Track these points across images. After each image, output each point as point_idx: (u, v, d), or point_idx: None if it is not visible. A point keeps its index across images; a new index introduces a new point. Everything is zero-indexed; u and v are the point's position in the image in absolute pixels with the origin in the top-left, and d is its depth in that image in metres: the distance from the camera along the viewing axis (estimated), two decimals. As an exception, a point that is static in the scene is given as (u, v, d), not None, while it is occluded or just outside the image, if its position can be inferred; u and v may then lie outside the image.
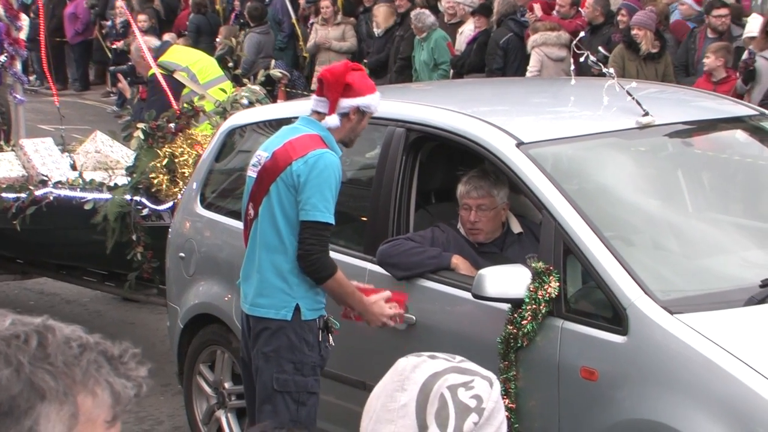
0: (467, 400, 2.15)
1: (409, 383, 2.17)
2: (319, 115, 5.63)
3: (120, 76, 13.14)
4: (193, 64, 9.92)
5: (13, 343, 1.64)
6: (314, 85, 10.50)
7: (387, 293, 5.68)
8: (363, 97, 5.60)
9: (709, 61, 11.68)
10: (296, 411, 5.61)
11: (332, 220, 5.49)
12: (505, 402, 5.26)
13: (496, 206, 6.04)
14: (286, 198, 5.51)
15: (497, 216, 6.07)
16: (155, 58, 9.96)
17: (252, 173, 5.71)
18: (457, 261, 5.84)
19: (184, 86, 9.65)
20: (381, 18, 15.83)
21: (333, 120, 5.58)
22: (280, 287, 5.57)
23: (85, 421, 1.65)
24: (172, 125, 8.26)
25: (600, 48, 12.60)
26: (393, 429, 2.15)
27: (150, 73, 9.90)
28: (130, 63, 13.06)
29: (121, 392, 1.69)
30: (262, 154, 5.69)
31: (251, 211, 5.69)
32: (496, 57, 14.02)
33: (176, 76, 9.72)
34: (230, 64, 9.99)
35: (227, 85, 9.69)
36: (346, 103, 5.57)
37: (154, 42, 10.80)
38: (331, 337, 5.68)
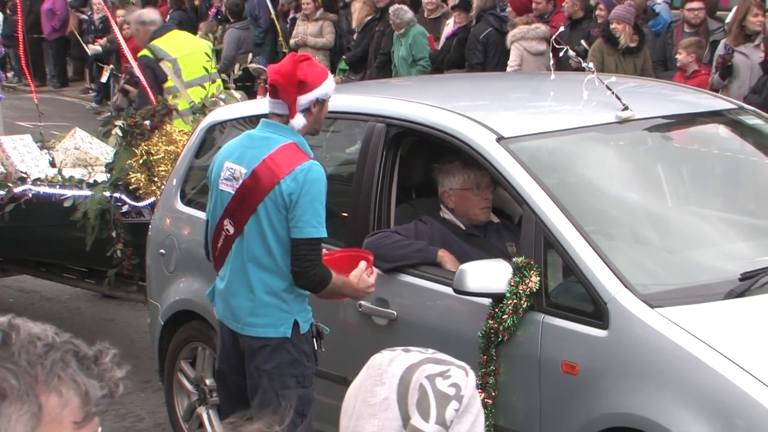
0: (446, 389, 2.17)
1: (387, 376, 2.19)
2: (280, 117, 5.52)
3: (129, 87, 12.98)
4: (183, 57, 9.76)
5: None
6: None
7: (363, 265, 5.63)
8: (319, 87, 5.49)
9: (681, 57, 11.74)
10: (300, 424, 5.59)
11: (325, 233, 5.44)
12: (482, 397, 5.28)
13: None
14: (276, 218, 5.41)
15: None
16: (151, 39, 9.87)
17: (227, 188, 5.55)
18: (443, 255, 5.84)
19: (167, 77, 9.56)
20: (356, 14, 15.86)
21: (300, 121, 5.48)
22: (275, 305, 5.49)
23: (50, 421, 1.63)
24: (147, 122, 8.23)
25: (582, 42, 12.61)
26: (377, 423, 2.16)
27: (141, 53, 9.80)
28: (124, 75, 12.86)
29: (89, 392, 1.67)
30: (236, 168, 5.52)
31: (229, 228, 5.55)
32: (476, 52, 14.02)
33: (162, 65, 9.63)
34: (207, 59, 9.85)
35: (211, 85, 9.58)
36: (305, 99, 5.47)
37: (153, 15, 10.58)
38: (322, 343, 5.66)
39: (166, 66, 9.62)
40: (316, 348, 5.60)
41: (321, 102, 5.54)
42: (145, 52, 9.85)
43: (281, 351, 5.50)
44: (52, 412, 1.64)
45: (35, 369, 1.63)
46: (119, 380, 1.71)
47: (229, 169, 5.57)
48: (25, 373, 1.62)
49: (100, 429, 1.71)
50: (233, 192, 5.52)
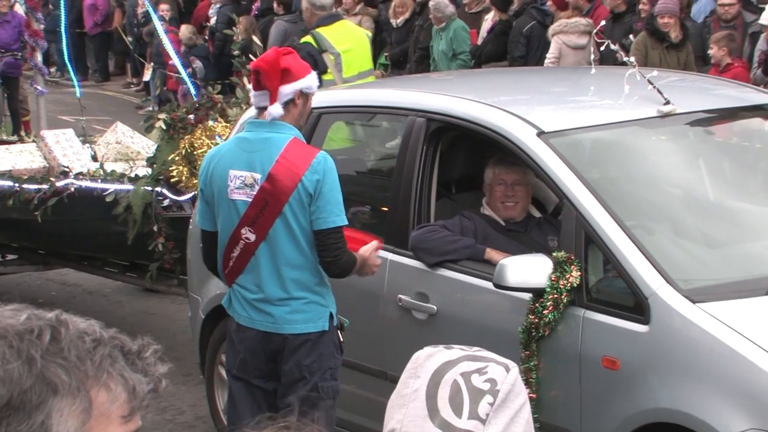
0: (480, 384, 2.17)
1: (423, 370, 2.21)
2: (266, 111, 5.46)
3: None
4: (345, 52, 9.58)
5: (26, 338, 1.63)
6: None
7: (375, 244, 5.65)
8: (303, 79, 5.44)
9: (713, 51, 11.69)
10: (332, 417, 5.60)
11: (346, 220, 5.47)
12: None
13: (528, 183, 6.14)
14: (302, 214, 5.39)
15: (528, 193, 6.17)
16: (316, 26, 9.68)
17: (241, 196, 5.44)
18: (491, 252, 5.81)
19: (327, 68, 9.37)
20: (400, 9, 15.83)
21: (276, 109, 5.39)
22: (314, 300, 5.49)
23: (99, 416, 1.65)
24: (191, 116, 8.26)
25: (631, 37, 12.53)
26: (404, 412, 2.18)
27: (304, 40, 9.59)
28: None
29: (137, 387, 1.68)
30: (246, 174, 5.42)
31: (249, 236, 5.44)
32: (519, 45, 13.97)
33: (324, 56, 9.46)
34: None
35: (370, 80, 9.44)
36: (289, 89, 5.40)
37: (325, 0, 10.11)
38: (343, 335, 5.66)
39: (328, 58, 9.44)
40: (341, 340, 5.61)
41: (305, 95, 5.48)
42: (308, 39, 9.66)
43: (320, 344, 5.51)
44: (101, 407, 1.65)
45: (85, 364, 1.64)
46: (162, 375, 1.73)
47: (238, 177, 5.45)
48: (75, 369, 1.63)
49: (140, 423, 1.72)
50: (250, 199, 5.42)
